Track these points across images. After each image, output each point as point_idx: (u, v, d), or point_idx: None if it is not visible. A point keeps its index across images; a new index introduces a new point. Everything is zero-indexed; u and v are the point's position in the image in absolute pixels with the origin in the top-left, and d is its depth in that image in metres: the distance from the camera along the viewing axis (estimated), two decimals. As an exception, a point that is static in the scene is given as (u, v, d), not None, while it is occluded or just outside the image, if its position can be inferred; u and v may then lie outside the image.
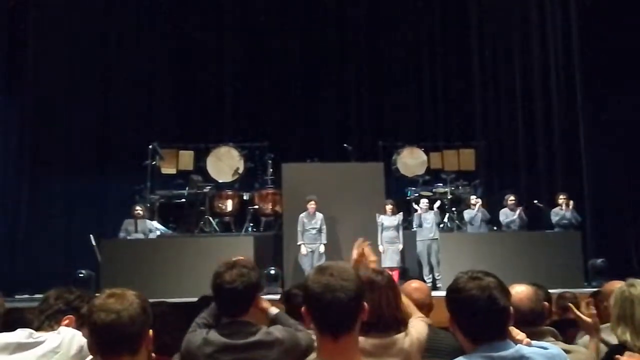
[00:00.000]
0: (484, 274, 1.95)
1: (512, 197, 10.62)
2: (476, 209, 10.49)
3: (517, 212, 10.46)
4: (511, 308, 1.93)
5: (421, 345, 2.58)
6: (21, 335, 2.32)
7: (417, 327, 2.63)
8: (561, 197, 10.57)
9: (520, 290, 2.72)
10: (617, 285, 2.86)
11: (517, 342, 1.93)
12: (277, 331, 2.54)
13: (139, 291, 1.97)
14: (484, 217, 10.54)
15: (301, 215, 9.86)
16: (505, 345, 1.88)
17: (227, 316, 2.57)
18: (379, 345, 2.44)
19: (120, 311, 1.85)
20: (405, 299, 2.82)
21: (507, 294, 1.92)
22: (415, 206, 10.59)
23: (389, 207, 10.10)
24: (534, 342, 2.05)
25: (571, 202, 10.49)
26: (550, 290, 3.59)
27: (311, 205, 9.79)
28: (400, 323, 2.58)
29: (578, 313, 3.02)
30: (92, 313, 1.87)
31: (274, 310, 2.89)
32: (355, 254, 2.92)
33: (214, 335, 2.49)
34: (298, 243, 9.78)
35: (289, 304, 3.39)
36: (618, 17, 11.50)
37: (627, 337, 2.49)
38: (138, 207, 9.99)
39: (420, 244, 10.24)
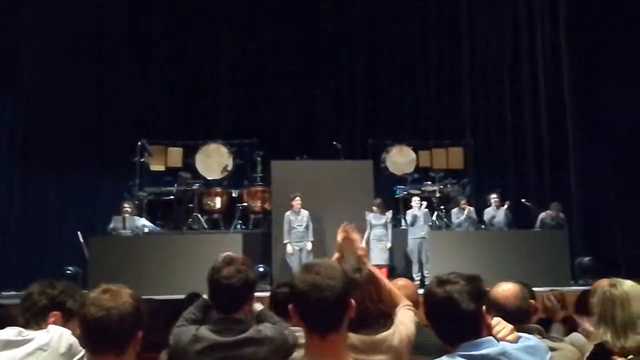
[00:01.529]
0: (455, 276, 1.96)
1: (494, 196, 10.68)
2: (465, 214, 10.51)
3: (503, 209, 10.50)
4: (484, 308, 1.94)
5: (410, 342, 2.59)
6: (10, 333, 2.30)
7: (406, 321, 2.64)
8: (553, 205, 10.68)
9: (506, 289, 2.74)
10: (604, 283, 2.88)
11: (499, 339, 1.93)
12: (266, 329, 2.55)
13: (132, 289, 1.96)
14: (472, 222, 10.58)
15: (287, 213, 9.84)
16: (489, 344, 1.88)
17: (221, 312, 2.57)
18: (369, 342, 2.45)
19: (111, 309, 1.83)
20: (392, 287, 2.83)
21: (476, 297, 1.91)
22: (412, 205, 10.58)
23: (376, 206, 10.09)
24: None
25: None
26: (537, 289, 3.61)
27: (296, 202, 9.78)
28: (386, 316, 2.59)
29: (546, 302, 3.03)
30: (84, 306, 1.86)
31: (258, 306, 2.91)
32: (339, 237, 2.92)
33: (204, 332, 2.49)
34: (284, 242, 9.77)
35: (275, 302, 3.38)
36: (606, 15, 11.56)
37: (608, 337, 2.50)
38: (126, 204, 9.95)
39: (412, 242, 10.27)
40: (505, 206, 10.55)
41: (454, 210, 10.73)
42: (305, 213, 9.83)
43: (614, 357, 2.44)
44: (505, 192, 10.97)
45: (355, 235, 2.90)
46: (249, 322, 2.57)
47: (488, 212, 10.62)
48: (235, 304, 2.57)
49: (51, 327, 2.36)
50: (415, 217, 10.28)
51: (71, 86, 11.68)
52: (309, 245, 9.70)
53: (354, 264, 2.73)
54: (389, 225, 10.13)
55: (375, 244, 9.90)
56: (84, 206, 11.62)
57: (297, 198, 9.79)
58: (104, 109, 12.20)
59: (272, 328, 2.57)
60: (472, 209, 10.66)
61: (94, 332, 1.85)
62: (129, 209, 9.90)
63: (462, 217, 10.52)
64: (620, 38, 11.48)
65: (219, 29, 13.17)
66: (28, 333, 2.31)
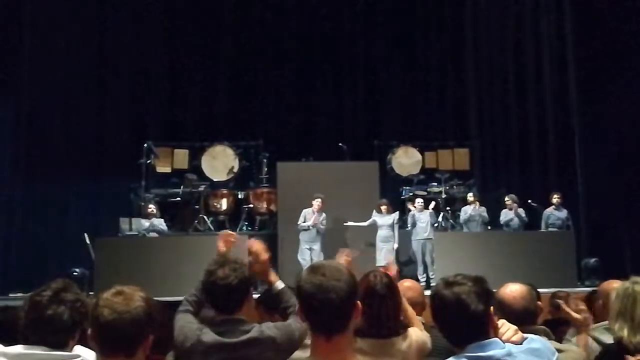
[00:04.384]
0: (462, 277, 1.96)
1: (506, 198, 10.66)
2: (477, 206, 10.48)
3: (514, 210, 10.46)
4: (491, 309, 1.94)
5: (420, 349, 2.59)
6: (37, 348, 2.18)
7: (417, 332, 2.65)
8: (555, 196, 10.60)
9: (514, 289, 2.72)
10: (613, 284, 2.87)
11: (504, 341, 1.93)
12: (269, 329, 2.55)
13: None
14: (484, 220, 10.53)
15: (305, 210, 9.79)
16: (495, 345, 1.88)
17: (222, 313, 2.57)
18: (377, 345, 2.45)
19: (123, 312, 1.85)
20: (409, 309, 2.84)
21: (484, 298, 1.92)
22: (410, 206, 10.61)
23: (383, 207, 10.08)
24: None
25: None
26: (543, 290, 3.61)
27: (317, 203, 9.73)
28: (399, 329, 2.59)
29: (568, 310, 3.03)
30: (97, 307, 1.88)
31: (280, 284, 2.91)
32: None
33: (207, 334, 2.50)
34: (303, 228, 9.70)
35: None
36: (613, 13, 11.53)
37: (624, 333, 2.49)
38: (151, 205, 10.03)
39: (415, 243, 10.25)
40: (517, 207, 10.51)
41: (464, 208, 10.68)
42: (323, 216, 9.79)
43: (628, 356, 2.43)
44: (511, 193, 10.93)
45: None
46: (251, 323, 2.57)
47: (505, 214, 10.58)
48: (235, 304, 2.57)
49: (77, 347, 2.27)
50: (415, 219, 10.28)
51: (73, 87, 11.71)
52: (319, 246, 9.69)
53: (380, 275, 2.73)
54: (396, 227, 10.10)
55: (381, 245, 9.89)
56: (87, 208, 11.64)
57: (319, 199, 9.74)
58: (109, 110, 12.20)
59: (274, 328, 2.58)
60: (483, 208, 10.62)
61: (105, 334, 1.86)
62: (154, 210, 9.98)
63: (470, 211, 10.49)
64: (627, 36, 11.44)
65: (222, 31, 13.19)
66: (54, 350, 2.19)
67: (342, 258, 3.10)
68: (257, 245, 2.99)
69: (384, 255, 9.78)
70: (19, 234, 11.07)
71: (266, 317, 3.08)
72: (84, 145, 11.77)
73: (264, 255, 2.98)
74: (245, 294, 2.59)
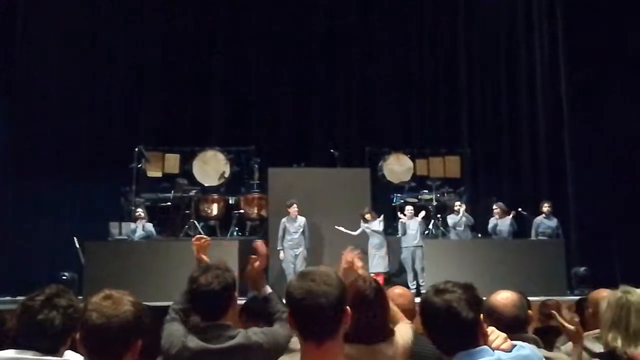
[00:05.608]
0: (452, 285, 1.95)
1: (494, 206, 10.70)
2: (460, 213, 10.52)
3: (508, 218, 10.49)
4: (481, 316, 1.93)
5: (406, 351, 2.59)
6: (28, 353, 2.18)
7: (403, 332, 2.64)
8: (545, 205, 10.63)
9: (505, 297, 2.72)
10: (603, 293, 2.87)
11: (493, 348, 1.93)
12: (255, 335, 2.54)
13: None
14: (468, 222, 10.57)
15: (283, 219, 9.84)
16: (484, 353, 1.87)
17: (206, 320, 2.56)
18: (365, 351, 2.44)
19: (111, 317, 1.84)
20: (392, 306, 2.83)
21: (474, 305, 1.91)
22: (400, 215, 10.62)
23: (367, 215, 10.08)
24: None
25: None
26: (533, 298, 3.60)
27: (293, 209, 9.78)
28: (387, 334, 2.59)
29: (562, 321, 3.03)
30: (86, 310, 1.87)
31: (268, 289, 2.92)
32: (344, 262, 2.98)
33: (192, 341, 2.49)
34: (278, 248, 9.74)
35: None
36: (605, 21, 11.59)
37: (618, 343, 2.48)
38: (139, 210, 10.04)
39: (405, 251, 10.27)
40: (511, 215, 10.53)
41: (450, 216, 10.72)
42: (302, 220, 9.82)
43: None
44: (502, 201, 10.96)
45: (358, 263, 2.97)
46: (236, 328, 2.56)
47: (492, 222, 10.60)
48: (219, 310, 2.56)
49: (67, 352, 2.27)
50: (405, 226, 10.29)
51: (65, 90, 11.65)
52: (304, 252, 9.70)
53: (369, 280, 2.73)
54: (382, 225, 10.14)
55: (374, 252, 9.92)
56: (77, 212, 11.56)
57: (294, 205, 9.79)
58: (100, 113, 12.14)
59: (260, 333, 2.57)
60: (467, 215, 10.65)
61: (93, 338, 1.85)
62: (141, 214, 9.99)
63: (458, 218, 10.51)
64: (619, 44, 11.50)
65: (215, 35, 13.18)
66: (45, 356, 2.18)
67: (349, 255, 3.08)
68: (264, 250, 3.00)
69: (377, 262, 9.83)
70: (8, 236, 10.99)
71: (250, 324, 3.06)
72: (75, 148, 11.69)
73: (264, 261, 3.00)
74: (229, 299, 2.58)
